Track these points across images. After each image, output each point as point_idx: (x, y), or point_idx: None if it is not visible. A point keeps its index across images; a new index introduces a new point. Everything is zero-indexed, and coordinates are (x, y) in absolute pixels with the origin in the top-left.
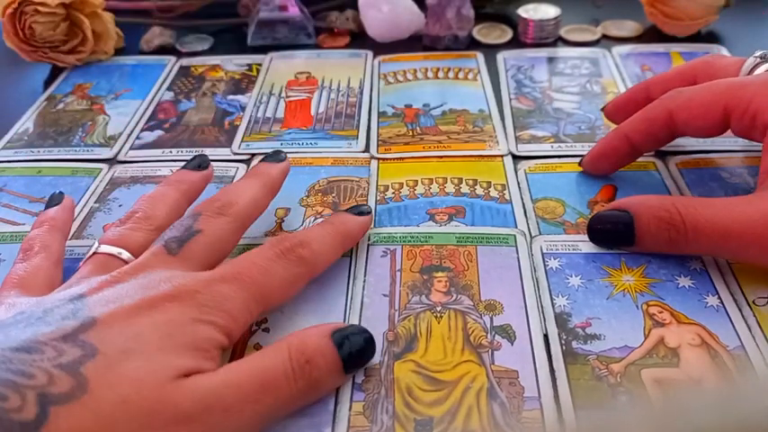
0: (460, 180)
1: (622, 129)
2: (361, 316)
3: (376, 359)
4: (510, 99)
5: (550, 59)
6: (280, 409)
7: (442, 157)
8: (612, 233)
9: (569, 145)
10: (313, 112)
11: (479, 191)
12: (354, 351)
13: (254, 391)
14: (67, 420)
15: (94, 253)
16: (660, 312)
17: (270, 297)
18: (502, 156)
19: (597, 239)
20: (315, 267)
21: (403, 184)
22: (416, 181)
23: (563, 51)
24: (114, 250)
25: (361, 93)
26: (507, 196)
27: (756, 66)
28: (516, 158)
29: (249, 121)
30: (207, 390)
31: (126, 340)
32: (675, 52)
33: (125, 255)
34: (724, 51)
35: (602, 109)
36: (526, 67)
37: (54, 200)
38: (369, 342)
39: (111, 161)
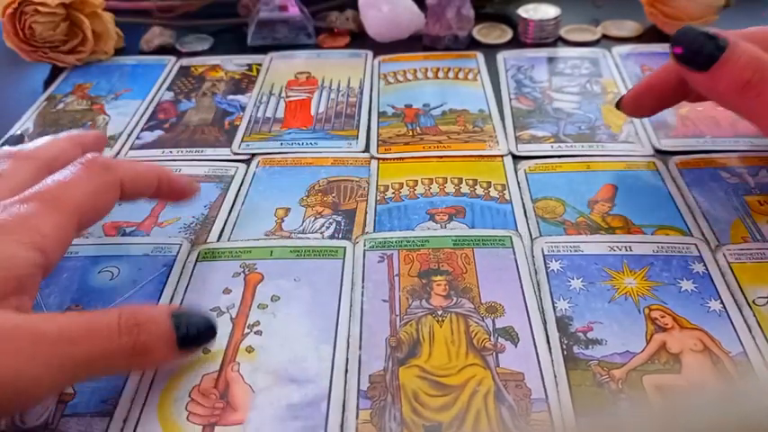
0: (460, 180)
1: (667, 66)
2: (361, 322)
3: (380, 365)
4: (510, 99)
5: (550, 59)
6: (99, 358)
7: (441, 157)
8: (699, 47)
9: (569, 145)
10: (313, 112)
11: (479, 191)
12: (192, 331)
13: (74, 330)
14: None
15: None
16: (662, 317)
17: (78, 206)
18: (502, 156)
19: (680, 48)
20: (125, 177)
21: (403, 184)
22: (416, 181)
23: (563, 51)
24: None
25: (361, 93)
26: (507, 196)
27: None
28: (516, 158)
29: (249, 121)
30: (19, 315)
31: None
32: None
33: None
34: None
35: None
36: (526, 67)
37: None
38: (207, 325)
39: None
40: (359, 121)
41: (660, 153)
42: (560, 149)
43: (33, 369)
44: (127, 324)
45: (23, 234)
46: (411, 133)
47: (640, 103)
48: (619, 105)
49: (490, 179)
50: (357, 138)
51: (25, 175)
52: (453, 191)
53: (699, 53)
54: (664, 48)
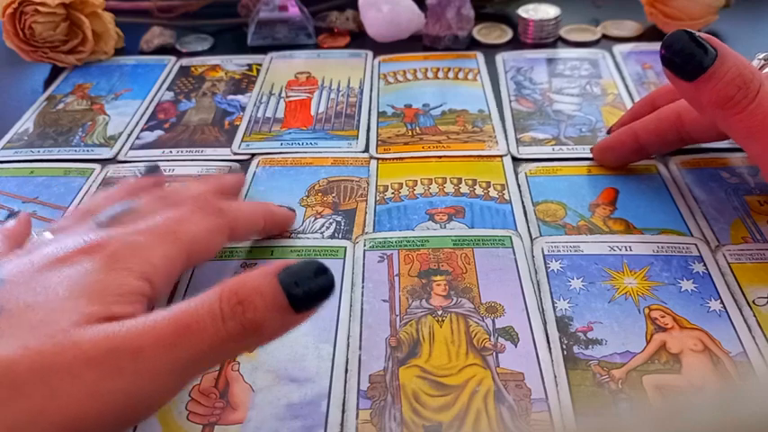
0: (460, 180)
1: (633, 126)
2: (362, 322)
3: (380, 365)
4: (510, 101)
5: (550, 61)
6: (206, 354)
7: (441, 157)
8: (688, 55)
9: (570, 147)
10: (313, 111)
11: (479, 191)
12: (308, 289)
13: (171, 333)
14: None
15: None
16: (662, 317)
17: (189, 244)
18: (501, 156)
19: (668, 52)
20: (234, 222)
21: (402, 184)
22: (416, 181)
23: (562, 52)
24: (49, 235)
25: (361, 93)
26: (507, 196)
27: (761, 68)
28: (516, 160)
29: (249, 121)
30: (114, 332)
31: (32, 294)
32: None
33: None
34: None
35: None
36: (525, 68)
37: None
38: (322, 274)
39: (105, 161)
40: (359, 121)
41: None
42: (561, 152)
43: (141, 385)
44: (229, 305)
45: (134, 263)
46: (410, 133)
47: (603, 158)
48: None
49: (489, 179)
50: (357, 138)
51: (153, 209)
52: (453, 191)
53: (687, 62)
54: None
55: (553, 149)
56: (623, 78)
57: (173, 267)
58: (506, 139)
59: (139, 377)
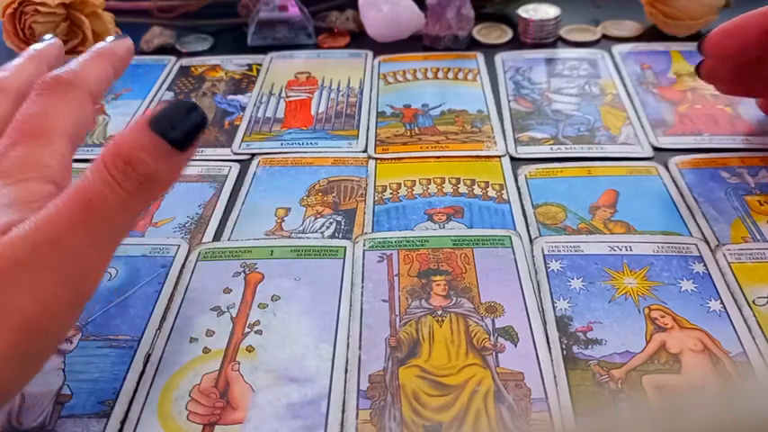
0: (458, 180)
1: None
2: (361, 322)
3: (380, 365)
4: (508, 101)
5: (548, 61)
6: (117, 218)
7: (439, 157)
8: None
9: (569, 147)
10: (313, 111)
11: (477, 191)
12: (183, 129)
13: (78, 212)
14: None
15: None
16: (662, 317)
17: (65, 131)
18: (499, 156)
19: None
20: (91, 89)
21: (401, 184)
22: (414, 181)
23: (561, 53)
24: None
25: (361, 93)
26: (505, 196)
27: None
28: (515, 160)
29: (249, 121)
30: (25, 230)
31: None
32: (676, 51)
33: None
34: None
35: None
36: (524, 68)
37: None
38: (194, 112)
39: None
40: (359, 121)
41: (659, 151)
42: (560, 152)
43: (72, 268)
44: (118, 169)
45: (32, 172)
46: (409, 133)
47: (725, 42)
48: (700, 47)
49: (488, 179)
50: (357, 138)
51: (3, 109)
52: (451, 191)
53: None
54: (665, 47)
55: (551, 149)
56: (622, 78)
57: (65, 160)
58: (505, 140)
59: (67, 262)
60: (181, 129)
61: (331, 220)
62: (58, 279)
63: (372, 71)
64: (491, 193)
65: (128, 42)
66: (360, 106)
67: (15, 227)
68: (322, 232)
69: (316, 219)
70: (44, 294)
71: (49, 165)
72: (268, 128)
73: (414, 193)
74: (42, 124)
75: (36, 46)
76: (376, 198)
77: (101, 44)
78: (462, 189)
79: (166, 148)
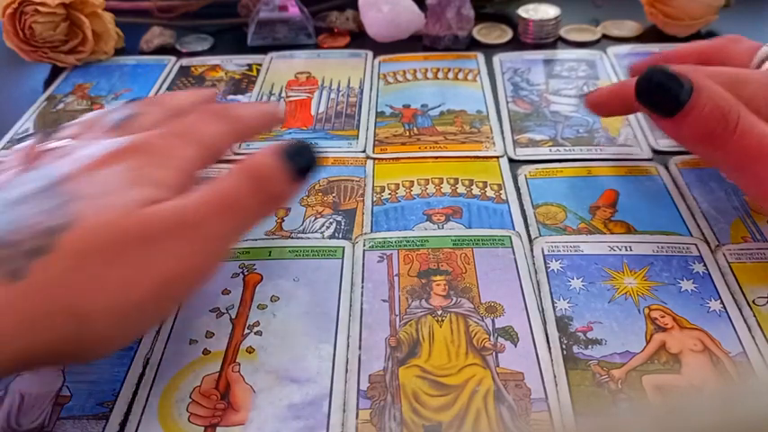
0: (456, 180)
1: (627, 83)
2: (361, 322)
3: (380, 365)
4: (507, 102)
5: (547, 62)
6: (245, 220)
7: (437, 157)
8: (664, 92)
9: (568, 149)
10: (313, 111)
11: (476, 191)
12: (304, 164)
13: (218, 205)
14: (71, 245)
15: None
16: (662, 317)
17: (204, 144)
18: (498, 157)
19: (643, 92)
20: (240, 128)
21: (399, 184)
22: (412, 181)
23: (559, 54)
24: (63, 142)
25: (362, 93)
26: (504, 196)
27: (766, 59)
28: (513, 162)
29: None
30: (174, 208)
31: (94, 186)
32: None
33: None
34: None
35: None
36: (522, 69)
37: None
38: (312, 152)
39: None
40: (359, 121)
41: (658, 153)
42: (559, 153)
43: (206, 248)
44: (255, 181)
45: (170, 160)
46: (408, 133)
47: (594, 108)
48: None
49: (486, 179)
50: (357, 138)
51: (157, 117)
52: (450, 191)
53: (665, 98)
54: (662, 47)
55: (550, 150)
56: (619, 80)
57: (194, 165)
58: (503, 141)
59: (204, 242)
60: (303, 161)
61: (331, 220)
62: (195, 253)
63: (372, 71)
64: (489, 192)
65: (280, 111)
66: (360, 106)
67: (163, 203)
68: (322, 232)
69: (316, 219)
70: (183, 261)
71: (181, 161)
72: None
73: (412, 193)
74: (190, 130)
75: (193, 90)
76: (374, 199)
77: (266, 104)
78: (461, 189)
79: (293, 174)
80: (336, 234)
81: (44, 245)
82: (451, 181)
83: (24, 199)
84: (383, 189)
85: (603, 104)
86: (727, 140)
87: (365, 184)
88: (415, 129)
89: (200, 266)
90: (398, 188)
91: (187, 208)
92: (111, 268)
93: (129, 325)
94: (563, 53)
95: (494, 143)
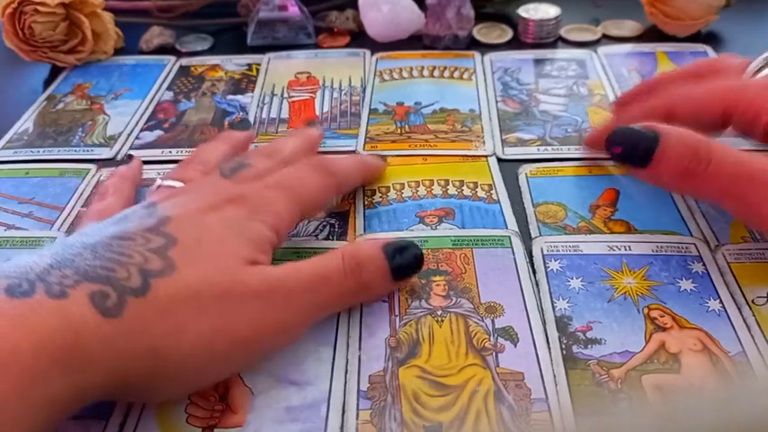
0: (447, 181)
1: (623, 118)
2: (361, 323)
3: (380, 366)
4: (496, 101)
5: (537, 61)
6: (333, 301)
7: (426, 156)
8: (632, 147)
9: (555, 148)
10: (318, 111)
11: (467, 191)
12: (403, 263)
13: (312, 280)
14: (165, 290)
15: (158, 186)
16: (661, 316)
17: (306, 202)
18: (486, 156)
19: (615, 155)
20: (341, 182)
21: (389, 187)
22: (403, 184)
23: (550, 53)
24: (174, 183)
25: (364, 91)
26: (495, 196)
27: (762, 68)
28: (502, 161)
29: (255, 123)
30: (272, 274)
31: (198, 232)
32: (661, 52)
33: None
34: (711, 53)
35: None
36: (513, 69)
37: (124, 161)
38: (417, 255)
39: (104, 162)
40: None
41: None
42: (547, 152)
43: (289, 318)
44: (350, 265)
45: (268, 216)
46: (399, 131)
47: (595, 147)
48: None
49: (476, 179)
50: (358, 136)
51: (265, 167)
52: (441, 192)
53: (635, 150)
54: (652, 48)
55: (538, 150)
56: (609, 80)
57: (291, 221)
58: (493, 140)
59: (289, 311)
60: (402, 261)
61: (324, 223)
62: (279, 320)
63: (370, 68)
64: (480, 193)
65: (382, 164)
66: (363, 104)
67: (260, 266)
68: (316, 235)
69: (309, 222)
70: (266, 325)
71: (282, 217)
72: (274, 129)
73: (403, 195)
74: (295, 187)
75: (299, 131)
76: (366, 202)
77: (369, 157)
78: (452, 190)
79: (387, 271)
80: (331, 237)
81: (141, 286)
82: (442, 182)
83: (133, 235)
84: (374, 192)
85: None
86: (703, 172)
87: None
88: (406, 126)
89: (280, 332)
90: (389, 191)
91: (283, 277)
92: (199, 319)
93: (202, 374)
94: (553, 53)
95: (483, 142)
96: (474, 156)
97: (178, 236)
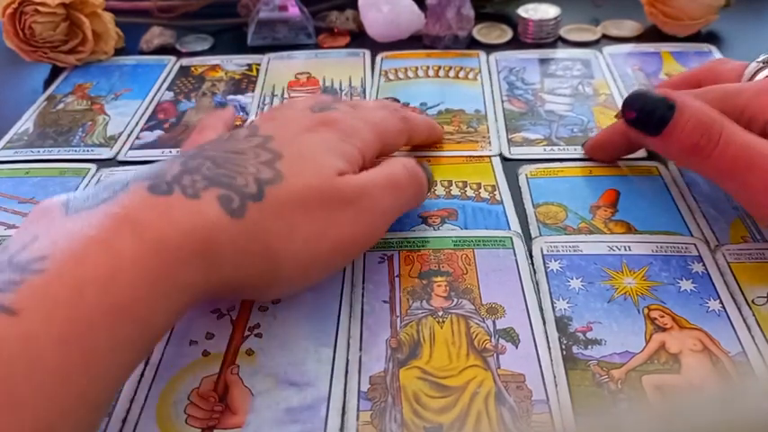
0: (450, 182)
1: (621, 124)
2: (362, 323)
3: (380, 367)
4: (502, 101)
5: (542, 61)
6: (402, 204)
7: (431, 158)
8: (649, 112)
9: (562, 148)
10: None
11: (470, 192)
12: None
13: (388, 186)
14: (277, 196)
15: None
16: (661, 317)
17: (386, 139)
18: (490, 156)
19: (628, 119)
20: (412, 130)
21: None
22: None
23: (555, 53)
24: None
25: (364, 91)
26: (498, 197)
27: (758, 71)
28: (507, 161)
29: None
30: (358, 182)
31: (298, 148)
32: (666, 52)
33: None
34: (716, 53)
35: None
36: (518, 68)
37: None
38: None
39: (104, 162)
40: None
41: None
42: (553, 152)
43: (374, 220)
44: (411, 173)
45: (357, 140)
46: None
47: (595, 155)
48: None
49: (480, 180)
50: None
51: (347, 108)
52: (444, 193)
53: (650, 118)
54: (656, 48)
55: (544, 150)
56: (615, 79)
57: (374, 151)
58: (499, 141)
59: (375, 213)
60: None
61: None
62: (367, 222)
63: (375, 68)
64: (484, 194)
65: (441, 131)
66: None
67: (349, 175)
68: None
69: None
70: (358, 227)
71: (369, 145)
72: None
73: None
74: (378, 122)
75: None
76: None
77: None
78: (455, 191)
79: (428, 184)
80: None
81: (258, 192)
82: (445, 183)
83: (244, 151)
84: None
85: (601, 146)
86: (711, 151)
87: None
88: None
89: (368, 233)
90: None
91: (367, 183)
92: (304, 222)
93: (310, 272)
94: (558, 52)
95: (490, 143)
96: (478, 156)
97: (282, 151)
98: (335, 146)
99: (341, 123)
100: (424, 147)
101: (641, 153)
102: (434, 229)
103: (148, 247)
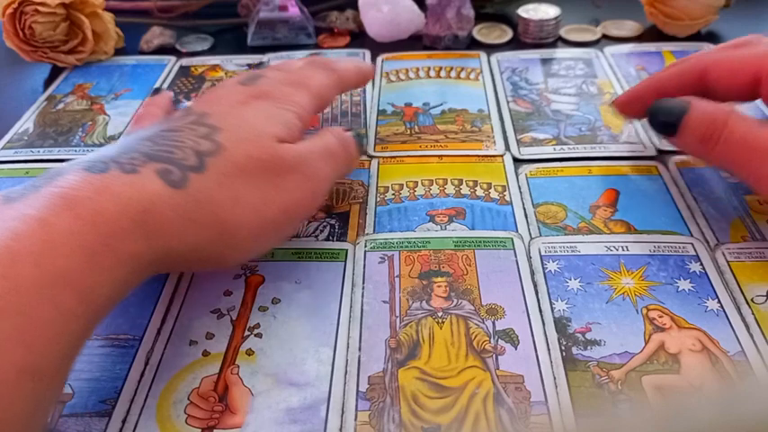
0: (461, 181)
1: (655, 78)
2: (361, 323)
3: (379, 367)
4: (507, 101)
5: (544, 61)
6: (338, 171)
7: (441, 156)
8: (667, 119)
9: (571, 147)
10: None
11: (480, 192)
12: (360, 142)
13: (325, 153)
14: (218, 167)
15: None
16: (660, 317)
17: (318, 94)
18: (501, 156)
19: (654, 123)
20: (342, 78)
21: (403, 185)
22: (416, 182)
23: (556, 53)
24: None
25: (364, 91)
26: (508, 197)
27: None
28: (518, 161)
29: None
30: (298, 151)
31: (236, 120)
32: (667, 51)
33: None
34: None
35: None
36: (520, 68)
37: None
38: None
39: None
40: (365, 119)
41: (660, 153)
42: (563, 152)
43: (317, 184)
44: (341, 141)
45: (290, 105)
46: (409, 132)
47: (625, 111)
48: (613, 104)
49: (490, 180)
50: (367, 136)
51: (275, 75)
52: (453, 192)
53: (668, 123)
54: (657, 47)
55: (554, 149)
56: (618, 78)
57: (310, 112)
58: (506, 140)
59: (315, 180)
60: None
61: (324, 224)
62: (308, 188)
63: (376, 70)
64: (493, 194)
65: (371, 70)
66: (364, 105)
67: (288, 144)
68: (316, 236)
69: (309, 222)
70: (300, 193)
71: (303, 106)
72: None
73: (416, 194)
74: (307, 82)
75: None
76: (378, 199)
77: (361, 61)
78: (465, 190)
79: (360, 149)
80: (331, 237)
81: (198, 164)
82: (455, 182)
83: (181, 128)
84: (387, 189)
85: (630, 103)
86: (718, 139)
87: (361, 186)
88: (416, 127)
89: (312, 198)
90: (402, 188)
91: (306, 152)
92: (249, 190)
93: (261, 239)
94: (559, 52)
95: (494, 142)
96: (490, 156)
97: (219, 124)
98: (272, 114)
99: (273, 92)
100: None
101: (645, 151)
102: (442, 228)
103: (85, 220)
